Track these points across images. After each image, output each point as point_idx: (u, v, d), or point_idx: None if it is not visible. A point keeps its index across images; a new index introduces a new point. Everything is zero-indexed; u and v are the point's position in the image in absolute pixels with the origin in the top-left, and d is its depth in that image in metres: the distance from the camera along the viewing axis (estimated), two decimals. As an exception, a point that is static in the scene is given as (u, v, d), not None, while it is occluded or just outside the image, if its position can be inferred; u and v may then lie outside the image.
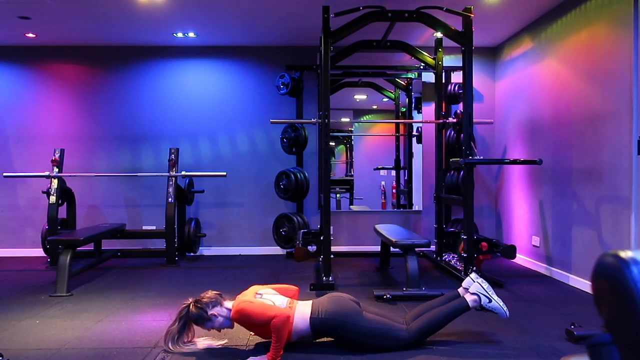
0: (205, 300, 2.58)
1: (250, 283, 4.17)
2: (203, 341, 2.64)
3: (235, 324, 2.62)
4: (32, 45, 5.66)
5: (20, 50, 5.72)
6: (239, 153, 5.78)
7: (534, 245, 4.79)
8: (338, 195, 6.82)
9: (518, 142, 5.18)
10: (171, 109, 5.78)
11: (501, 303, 2.60)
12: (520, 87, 5.11)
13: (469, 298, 2.62)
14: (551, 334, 2.82)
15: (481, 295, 2.60)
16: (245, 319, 2.51)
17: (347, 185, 6.89)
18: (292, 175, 5.24)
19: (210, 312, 2.55)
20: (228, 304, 2.62)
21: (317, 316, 2.54)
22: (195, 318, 2.56)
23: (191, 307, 2.56)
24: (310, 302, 2.64)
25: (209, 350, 2.59)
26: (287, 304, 2.61)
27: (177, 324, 2.56)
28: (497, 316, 2.68)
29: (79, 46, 5.73)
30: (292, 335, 2.55)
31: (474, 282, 2.65)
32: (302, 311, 2.57)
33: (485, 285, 2.62)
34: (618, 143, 3.53)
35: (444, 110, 5.23)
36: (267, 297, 2.62)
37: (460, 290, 2.71)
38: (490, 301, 2.59)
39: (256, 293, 2.65)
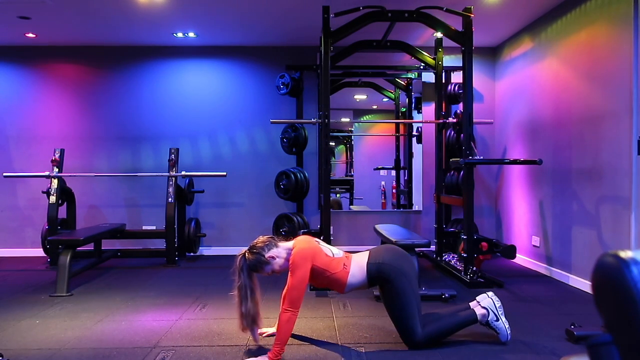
0: (259, 244, 2.57)
1: (250, 283, 4.18)
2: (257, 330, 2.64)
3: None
4: (32, 45, 5.66)
5: (20, 50, 5.71)
6: (239, 153, 5.78)
7: (534, 245, 4.79)
8: (338, 195, 6.82)
9: (518, 142, 5.18)
10: (171, 109, 5.78)
11: (507, 325, 2.63)
12: (521, 87, 5.11)
13: (479, 311, 2.65)
14: (551, 334, 2.82)
15: (490, 312, 2.64)
16: (308, 258, 2.50)
17: (347, 185, 6.89)
18: (292, 175, 5.24)
19: (267, 255, 2.54)
20: (284, 244, 2.61)
21: (375, 262, 2.60)
22: (253, 264, 2.53)
23: (247, 255, 2.56)
24: (367, 251, 2.70)
25: (209, 350, 2.59)
26: (344, 254, 2.66)
27: (240, 277, 2.52)
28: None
29: (79, 46, 5.73)
30: (346, 287, 2.61)
31: (488, 297, 2.69)
32: (359, 261, 2.64)
33: (498, 303, 2.66)
34: (618, 143, 3.53)
35: (444, 110, 5.23)
36: (325, 245, 2.66)
37: (472, 303, 2.73)
38: (497, 320, 2.63)
39: (314, 239, 2.67)
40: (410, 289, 2.56)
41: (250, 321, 2.53)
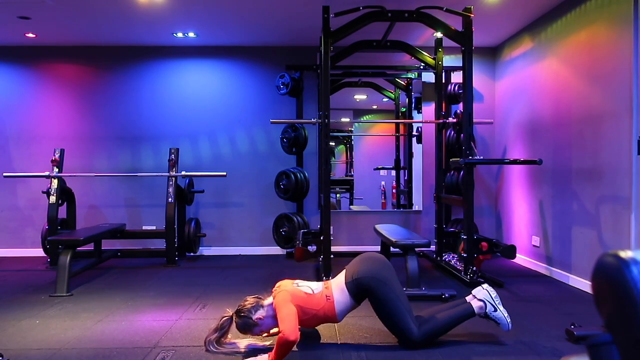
0: (247, 306, 2.56)
1: (250, 283, 4.18)
2: (245, 341, 2.62)
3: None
4: (32, 45, 5.65)
5: (20, 50, 5.72)
6: (239, 153, 5.78)
7: (534, 245, 4.79)
8: (338, 195, 6.82)
9: (518, 142, 5.18)
10: (171, 109, 5.78)
11: (506, 314, 2.62)
12: (520, 87, 5.11)
13: (475, 304, 2.64)
14: (551, 334, 2.82)
15: (487, 303, 2.62)
16: (287, 297, 2.52)
17: (347, 185, 6.89)
18: (292, 175, 5.24)
19: (255, 318, 2.53)
20: (268, 301, 2.61)
21: (351, 279, 2.60)
22: (242, 327, 2.55)
23: (234, 318, 2.56)
24: (344, 270, 2.69)
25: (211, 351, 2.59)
26: (323, 286, 2.66)
27: (217, 333, 2.54)
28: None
29: (79, 46, 5.73)
30: (338, 316, 2.61)
31: (483, 289, 2.68)
32: (338, 284, 2.63)
33: (494, 294, 2.65)
34: (618, 143, 3.53)
35: (444, 110, 5.23)
36: (304, 284, 2.66)
37: (468, 297, 2.72)
38: (495, 310, 2.61)
39: (293, 282, 2.68)
40: (392, 292, 2.56)
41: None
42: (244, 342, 2.61)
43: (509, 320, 2.61)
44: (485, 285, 2.70)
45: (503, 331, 2.64)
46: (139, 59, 5.78)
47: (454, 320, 2.62)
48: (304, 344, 2.69)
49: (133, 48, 5.75)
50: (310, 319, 2.58)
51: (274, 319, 2.54)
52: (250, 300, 2.60)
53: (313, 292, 2.60)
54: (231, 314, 2.58)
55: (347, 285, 2.59)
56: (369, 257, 2.72)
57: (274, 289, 2.66)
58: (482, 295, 2.64)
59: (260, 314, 2.55)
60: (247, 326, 2.55)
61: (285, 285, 2.63)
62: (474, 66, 4.41)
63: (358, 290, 2.58)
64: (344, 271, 2.69)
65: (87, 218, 5.71)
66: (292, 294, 2.55)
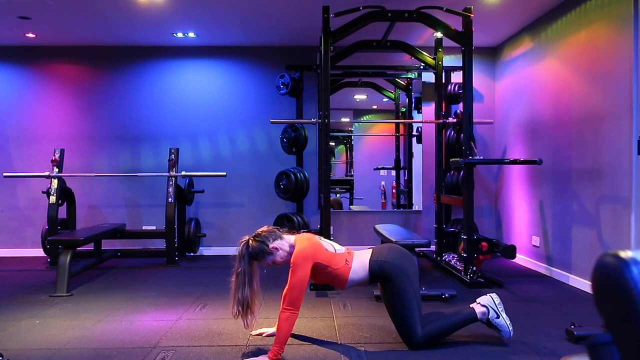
0: (264, 233, 2.56)
1: (250, 283, 4.17)
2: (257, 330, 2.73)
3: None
4: (32, 45, 5.65)
5: (20, 50, 5.71)
6: (239, 153, 5.78)
7: (534, 245, 4.79)
8: (338, 195, 6.82)
9: (518, 142, 5.18)
10: (171, 109, 5.78)
11: (508, 322, 2.62)
12: (521, 87, 5.11)
13: (478, 309, 2.64)
14: (551, 334, 2.82)
15: (490, 309, 2.63)
16: (309, 257, 2.51)
17: (347, 185, 6.89)
18: (292, 175, 5.24)
19: (271, 245, 2.53)
20: (288, 237, 2.61)
21: (377, 260, 2.61)
22: (256, 252, 2.52)
23: (250, 241, 2.54)
24: (371, 249, 2.71)
25: (209, 350, 2.59)
26: (346, 250, 2.68)
27: (241, 263, 2.50)
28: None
29: (79, 46, 5.73)
30: (348, 283, 2.62)
31: (488, 296, 2.69)
32: (362, 258, 2.65)
33: (497, 300, 2.66)
34: (618, 143, 3.53)
35: (444, 110, 5.23)
36: (327, 242, 2.68)
37: (472, 304, 2.73)
38: (498, 317, 2.62)
39: (315, 236, 2.69)
40: (411, 288, 2.56)
41: (244, 307, 2.49)
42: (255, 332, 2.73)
43: (510, 328, 2.61)
44: (490, 293, 2.71)
45: (504, 338, 2.63)
46: (139, 59, 5.78)
47: (456, 324, 2.63)
48: (304, 344, 2.69)
49: (133, 48, 5.75)
50: (322, 275, 2.59)
51: (288, 254, 2.55)
52: (267, 227, 2.62)
53: (335, 251, 2.62)
54: (247, 238, 2.57)
55: (371, 263, 2.60)
56: (400, 249, 2.74)
57: (296, 232, 2.69)
58: (485, 302, 2.65)
59: (277, 243, 2.55)
60: (261, 252, 2.53)
61: (311, 238, 2.62)
62: (474, 66, 4.41)
63: (379, 272, 2.59)
64: (370, 250, 2.70)
65: (87, 218, 5.71)
66: (315, 249, 2.54)
